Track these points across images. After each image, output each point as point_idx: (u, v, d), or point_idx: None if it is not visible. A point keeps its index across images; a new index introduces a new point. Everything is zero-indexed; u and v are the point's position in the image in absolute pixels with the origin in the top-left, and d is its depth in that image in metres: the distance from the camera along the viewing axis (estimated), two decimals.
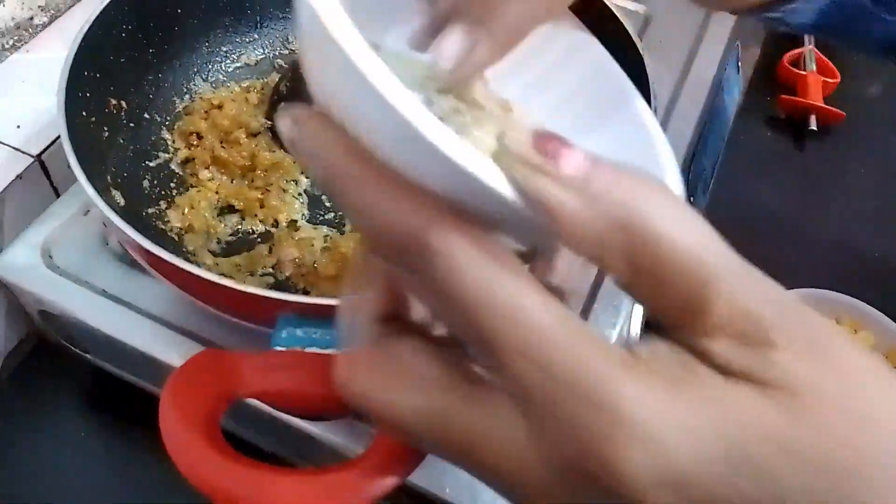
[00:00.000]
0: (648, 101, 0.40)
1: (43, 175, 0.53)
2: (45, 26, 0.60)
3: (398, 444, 0.26)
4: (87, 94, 0.41)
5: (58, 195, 0.55)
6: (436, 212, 0.17)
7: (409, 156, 0.17)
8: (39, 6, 0.59)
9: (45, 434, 0.52)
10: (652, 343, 0.18)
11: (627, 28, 0.44)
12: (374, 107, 0.16)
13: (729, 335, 0.17)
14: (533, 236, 0.20)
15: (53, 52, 0.59)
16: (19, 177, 0.51)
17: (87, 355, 0.48)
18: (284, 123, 0.19)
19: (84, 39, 0.40)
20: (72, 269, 0.46)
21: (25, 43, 0.59)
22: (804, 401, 0.16)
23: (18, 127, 0.53)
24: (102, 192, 0.37)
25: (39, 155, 0.52)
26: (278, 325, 0.32)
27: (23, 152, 0.52)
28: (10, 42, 0.58)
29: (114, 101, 0.44)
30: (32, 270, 0.46)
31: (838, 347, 0.17)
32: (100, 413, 0.53)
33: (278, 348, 0.31)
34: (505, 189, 0.17)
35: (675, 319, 0.17)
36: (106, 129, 0.43)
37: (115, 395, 0.52)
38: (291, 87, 0.49)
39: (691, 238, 0.17)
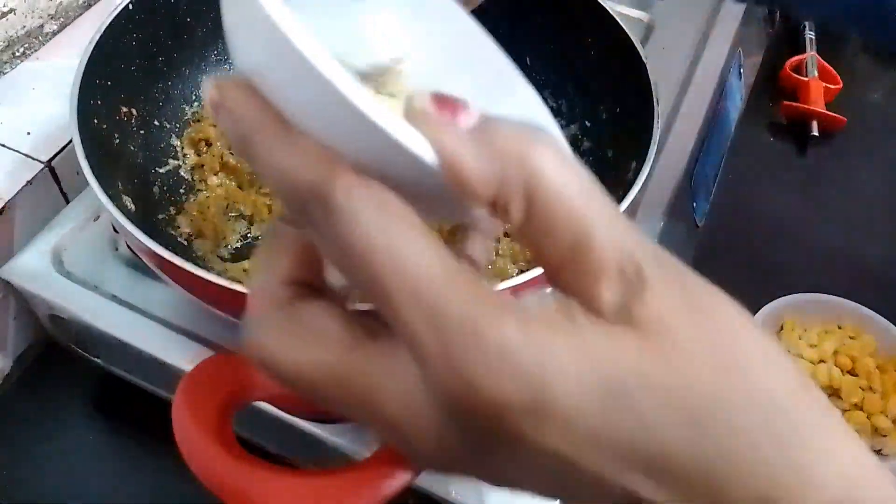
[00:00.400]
0: (652, 110, 0.40)
1: (53, 181, 0.54)
2: (54, 34, 0.61)
3: None
4: (99, 102, 0.41)
5: (67, 201, 0.55)
6: (338, 165, 0.18)
7: (323, 114, 0.18)
8: (49, 14, 0.60)
9: (55, 438, 0.53)
10: (539, 294, 0.18)
11: (630, 36, 0.45)
12: (288, 59, 0.17)
13: (609, 279, 0.18)
14: (441, 205, 0.20)
15: (63, 60, 0.59)
16: (29, 183, 0.52)
17: (97, 359, 0.49)
18: (207, 88, 0.20)
19: (96, 48, 0.41)
20: (82, 274, 0.46)
21: (35, 51, 0.60)
22: (677, 345, 0.17)
23: (28, 133, 0.54)
24: (114, 198, 0.38)
25: (49, 161, 0.53)
26: None
27: (33, 158, 0.53)
28: (21, 50, 0.59)
29: (124, 109, 0.45)
30: (43, 276, 0.46)
31: (711, 296, 0.18)
32: (108, 417, 0.53)
33: None
34: (412, 144, 0.17)
35: (560, 265, 0.18)
36: (117, 136, 0.43)
37: (123, 398, 0.52)
38: None
39: (576, 186, 0.18)
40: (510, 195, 0.18)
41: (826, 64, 0.81)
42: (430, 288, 0.17)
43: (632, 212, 0.40)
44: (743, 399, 0.17)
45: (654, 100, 0.41)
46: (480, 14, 0.33)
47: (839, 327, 0.59)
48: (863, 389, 0.54)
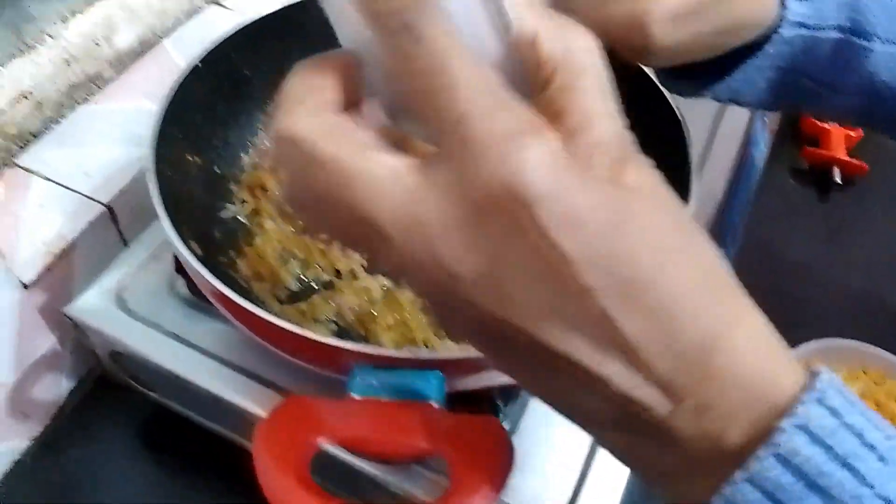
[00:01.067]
0: (688, 170, 0.42)
1: (111, 222, 0.57)
2: (112, 79, 0.64)
3: (472, 489, 0.28)
4: (169, 152, 0.44)
5: (124, 241, 0.58)
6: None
7: None
8: (108, 61, 0.63)
9: (105, 470, 0.54)
10: None
11: (668, 96, 0.47)
12: None
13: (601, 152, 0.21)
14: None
15: (119, 104, 0.62)
16: (90, 223, 0.55)
17: (153, 393, 0.51)
18: None
19: (170, 103, 0.44)
20: (143, 312, 0.49)
21: (94, 95, 0.63)
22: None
23: (88, 175, 0.57)
24: (185, 243, 0.40)
25: (109, 202, 0.56)
26: (354, 373, 0.34)
27: (94, 200, 0.56)
28: (82, 95, 0.62)
29: (189, 157, 0.47)
30: (107, 313, 0.49)
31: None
32: (159, 451, 0.55)
33: (355, 395, 0.34)
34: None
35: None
36: (183, 183, 0.46)
37: (174, 433, 0.54)
38: None
39: (606, 100, 0.23)
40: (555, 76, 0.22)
41: None
42: (483, 104, 0.20)
43: None
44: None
45: (690, 160, 0.44)
46: None
47: (864, 372, 0.60)
48: None
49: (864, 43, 0.39)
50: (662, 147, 0.48)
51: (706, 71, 0.41)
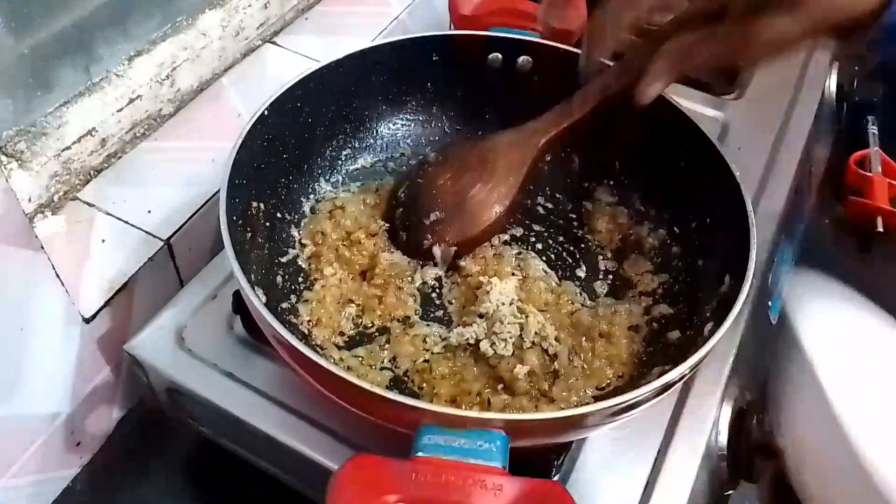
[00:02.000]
0: (748, 232, 0.43)
1: (170, 259, 0.58)
2: (170, 116, 0.66)
3: None
4: (236, 200, 0.45)
5: (181, 278, 0.59)
6: None
7: None
8: (168, 99, 0.65)
9: (150, 500, 0.55)
10: None
11: (725, 158, 0.48)
12: None
13: None
14: None
15: (178, 142, 0.64)
16: (150, 259, 0.56)
17: (206, 430, 0.52)
18: None
19: (238, 152, 0.45)
20: (201, 351, 0.50)
21: (154, 131, 0.65)
22: None
23: (149, 212, 0.59)
24: (251, 287, 0.41)
25: (168, 239, 0.57)
26: (420, 433, 0.35)
27: (154, 236, 0.57)
28: (142, 131, 0.64)
29: (254, 204, 0.48)
30: (165, 351, 0.50)
31: None
32: (204, 485, 0.56)
33: (420, 455, 0.34)
34: None
35: None
36: (249, 230, 0.47)
37: (220, 468, 0.55)
38: (408, 194, 0.54)
39: None
40: None
41: (889, 159, 0.83)
42: None
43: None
44: None
45: (751, 220, 0.44)
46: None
47: None
48: None
49: None
50: (716, 207, 0.49)
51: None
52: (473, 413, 0.34)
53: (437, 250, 0.51)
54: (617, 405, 0.37)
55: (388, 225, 0.53)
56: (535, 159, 0.51)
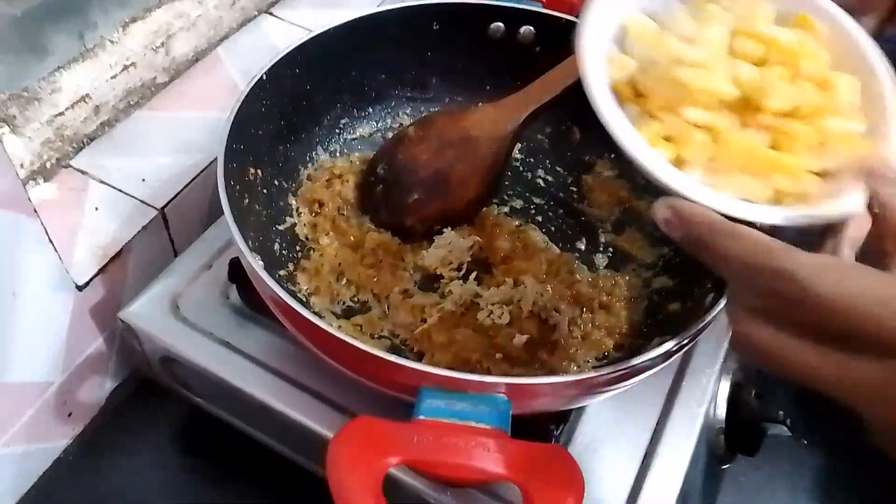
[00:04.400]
0: None
1: (164, 228, 0.57)
2: (165, 85, 0.65)
3: None
4: (233, 165, 0.44)
5: (174, 248, 0.59)
6: (773, 246, 0.27)
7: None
8: (164, 67, 0.64)
9: (143, 471, 0.55)
10: None
11: None
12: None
13: None
14: None
15: (173, 112, 0.63)
16: (144, 228, 0.55)
17: (200, 400, 0.52)
18: (660, 208, 0.31)
19: (235, 117, 0.44)
20: (196, 320, 0.49)
21: (148, 100, 0.64)
22: None
23: (143, 180, 0.58)
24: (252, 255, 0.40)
25: (163, 208, 0.56)
26: (420, 396, 0.35)
27: (148, 205, 0.56)
28: (136, 99, 0.63)
29: (252, 170, 0.48)
30: (161, 320, 0.49)
31: None
32: (196, 454, 0.55)
33: (422, 417, 0.34)
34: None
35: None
36: (246, 196, 0.46)
37: (213, 438, 0.54)
38: (388, 171, 0.53)
39: None
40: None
41: None
42: None
43: None
44: None
45: None
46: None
47: None
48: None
49: None
50: None
51: None
52: (475, 376, 0.34)
53: (418, 230, 0.50)
54: (617, 371, 0.36)
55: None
56: (518, 133, 0.50)
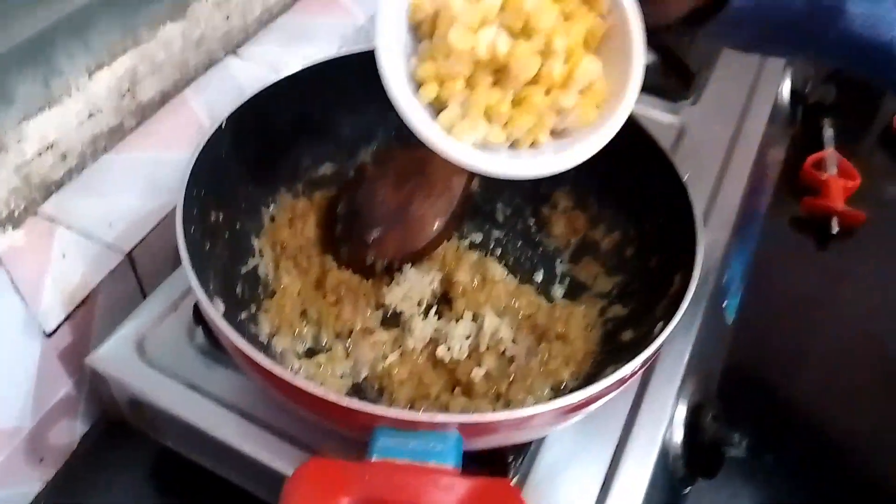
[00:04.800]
0: (694, 232, 0.44)
1: (131, 270, 0.58)
2: (132, 128, 0.66)
3: None
4: (195, 212, 0.46)
5: (143, 290, 0.59)
6: None
7: None
8: (130, 111, 0.65)
9: None
10: None
11: (673, 161, 0.49)
12: None
13: None
14: None
15: (141, 154, 0.64)
16: (111, 272, 0.56)
17: (169, 443, 0.52)
18: None
19: (196, 162, 0.45)
20: (162, 362, 0.50)
21: (115, 144, 0.65)
22: None
23: (110, 225, 0.59)
24: (210, 299, 0.41)
25: (130, 252, 0.57)
26: (374, 436, 0.36)
27: (115, 249, 0.57)
28: (103, 143, 0.64)
29: (214, 214, 0.49)
30: (127, 363, 0.50)
31: None
32: (169, 496, 0.56)
33: (375, 457, 0.35)
34: None
35: None
36: (208, 241, 0.47)
37: (185, 479, 0.54)
38: (348, 210, 0.54)
39: None
40: None
41: (845, 160, 0.85)
42: None
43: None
44: None
45: (697, 222, 0.45)
46: None
47: None
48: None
49: (834, 3, 0.39)
50: (667, 209, 0.50)
51: (699, 17, 0.42)
52: (424, 415, 0.35)
53: (379, 266, 0.51)
54: (567, 404, 0.37)
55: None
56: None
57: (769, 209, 0.80)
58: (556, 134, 0.40)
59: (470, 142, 0.38)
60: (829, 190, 0.82)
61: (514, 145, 0.40)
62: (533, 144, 0.39)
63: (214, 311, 0.39)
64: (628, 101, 0.39)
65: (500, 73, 0.38)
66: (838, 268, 0.79)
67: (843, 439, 0.65)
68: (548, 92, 0.38)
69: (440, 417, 0.35)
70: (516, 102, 0.38)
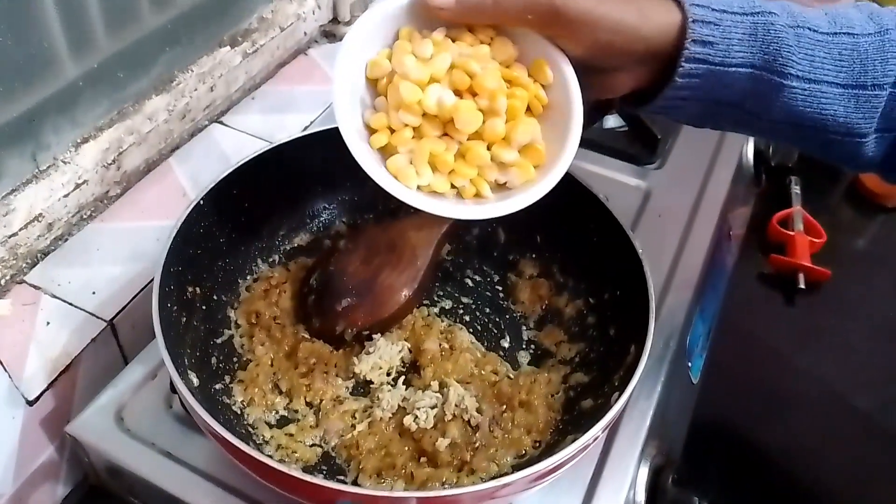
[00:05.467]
0: (648, 305, 0.46)
1: (113, 338, 0.60)
2: (117, 197, 0.69)
3: None
4: (171, 287, 0.48)
5: (125, 357, 0.61)
6: None
7: None
8: (115, 181, 0.68)
9: None
10: None
11: (630, 236, 0.52)
12: None
13: None
14: None
15: (125, 223, 0.67)
16: (93, 340, 0.58)
17: None
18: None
19: (172, 242, 0.48)
20: (140, 431, 0.52)
21: (101, 213, 0.67)
22: None
23: (94, 293, 0.61)
24: (182, 375, 0.43)
25: (112, 320, 0.59)
26: None
27: (97, 317, 0.59)
28: (88, 213, 0.66)
29: (190, 289, 0.51)
30: (105, 432, 0.51)
31: None
32: None
33: None
34: None
35: None
36: (184, 315, 0.49)
37: None
38: (319, 281, 0.56)
39: None
40: None
41: (811, 218, 0.88)
42: None
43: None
44: None
45: (650, 297, 0.48)
46: None
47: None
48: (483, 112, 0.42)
49: (779, 80, 0.40)
50: (624, 281, 0.53)
51: (647, 92, 0.43)
52: (384, 492, 0.37)
53: (349, 335, 0.54)
54: (527, 475, 0.39)
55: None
56: (442, 240, 0.55)
57: (737, 265, 0.82)
58: (498, 190, 0.43)
59: (414, 186, 0.41)
60: (795, 246, 0.85)
61: (459, 195, 0.43)
62: (477, 196, 0.43)
63: (185, 389, 0.41)
64: (564, 161, 0.42)
65: (447, 126, 0.42)
66: (805, 323, 0.81)
67: (809, 494, 0.66)
68: (489, 147, 0.42)
69: (398, 493, 0.37)
70: (460, 154, 0.42)
